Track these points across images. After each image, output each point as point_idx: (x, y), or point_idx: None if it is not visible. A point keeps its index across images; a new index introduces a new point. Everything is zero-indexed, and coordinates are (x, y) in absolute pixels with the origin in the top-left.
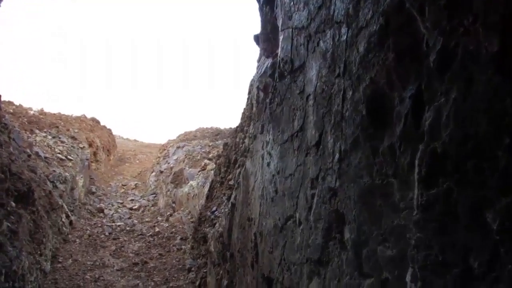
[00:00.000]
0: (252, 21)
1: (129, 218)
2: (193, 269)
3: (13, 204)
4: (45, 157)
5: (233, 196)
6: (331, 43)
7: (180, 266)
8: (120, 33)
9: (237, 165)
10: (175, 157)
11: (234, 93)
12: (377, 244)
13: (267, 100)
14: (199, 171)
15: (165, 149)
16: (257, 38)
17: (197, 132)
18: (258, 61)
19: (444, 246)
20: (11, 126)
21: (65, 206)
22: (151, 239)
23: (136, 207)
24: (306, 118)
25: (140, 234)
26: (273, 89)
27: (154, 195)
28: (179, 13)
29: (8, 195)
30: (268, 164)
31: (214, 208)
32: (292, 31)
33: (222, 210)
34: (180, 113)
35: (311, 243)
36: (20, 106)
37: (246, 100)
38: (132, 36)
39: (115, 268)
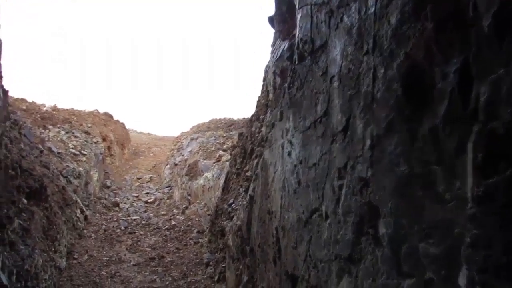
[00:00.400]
0: (251, 21)
1: (145, 211)
2: (211, 263)
3: (25, 201)
4: (58, 153)
5: (251, 188)
6: (357, 17)
7: (198, 260)
8: (120, 33)
9: (253, 156)
10: (189, 149)
11: (234, 93)
12: (418, 240)
13: (286, 85)
14: (214, 163)
15: (178, 142)
16: (271, 20)
17: (210, 123)
18: (273, 45)
19: (509, 245)
20: (21, 122)
21: (80, 201)
22: (167, 232)
23: (151, 200)
24: (331, 102)
25: (156, 228)
26: (291, 72)
27: (169, 187)
28: (179, 13)
29: (20, 192)
30: (289, 154)
31: (231, 201)
32: (311, 8)
33: (240, 203)
34: (180, 113)
35: (340, 238)
36: (33, 103)
37: (261, 88)
38: (132, 36)
39: (131, 263)
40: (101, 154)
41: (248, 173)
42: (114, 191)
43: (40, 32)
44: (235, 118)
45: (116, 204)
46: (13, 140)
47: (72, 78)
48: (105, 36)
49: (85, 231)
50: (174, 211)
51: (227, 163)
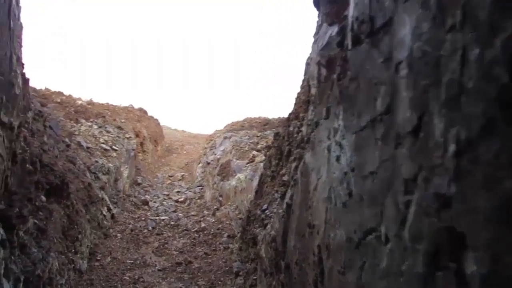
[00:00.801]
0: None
1: (174, 211)
2: (241, 273)
3: (44, 198)
4: (87, 147)
5: (288, 195)
6: None
7: (227, 269)
8: (120, 33)
9: (291, 158)
10: (221, 148)
11: (234, 93)
12: None
13: (334, 77)
14: (247, 163)
15: (212, 140)
16: (316, 1)
17: (244, 122)
18: (317, 32)
19: None
20: (47, 114)
21: (107, 199)
22: (196, 235)
23: (182, 199)
24: (396, 95)
25: (185, 230)
26: (342, 61)
27: (201, 187)
28: (179, 13)
29: (38, 188)
30: (338, 159)
31: (265, 206)
32: None
33: (275, 210)
34: (180, 113)
35: (405, 270)
36: (70, 96)
37: (301, 83)
38: (132, 35)
39: (156, 267)
40: (133, 150)
41: (285, 178)
42: (145, 189)
43: (40, 32)
44: (270, 117)
45: (146, 203)
46: (35, 133)
47: (72, 78)
48: (105, 36)
49: (111, 230)
50: (204, 212)
51: (261, 164)
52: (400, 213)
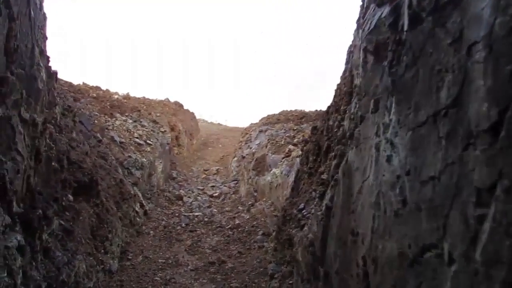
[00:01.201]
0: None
1: (209, 207)
2: (276, 276)
3: (71, 197)
4: (121, 142)
5: (328, 196)
6: None
7: (261, 269)
8: (120, 32)
9: (331, 155)
10: (257, 142)
11: (234, 93)
12: None
13: (385, 64)
14: (282, 158)
15: (247, 133)
16: None
17: (280, 115)
18: (363, 16)
19: None
20: (76, 109)
21: (140, 195)
22: (230, 232)
23: (216, 194)
24: (467, 84)
25: (219, 227)
26: (395, 45)
27: (236, 181)
28: (180, 12)
29: (65, 187)
30: (389, 159)
31: (302, 206)
32: None
33: (313, 211)
34: (215, 106)
35: None
36: (107, 91)
37: (341, 73)
38: (133, 35)
39: (189, 267)
40: (168, 144)
41: (324, 176)
42: (179, 183)
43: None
44: (307, 110)
45: (180, 198)
46: (63, 129)
47: (73, 78)
48: (106, 35)
49: (143, 227)
50: (239, 207)
51: (298, 159)
52: (469, 229)
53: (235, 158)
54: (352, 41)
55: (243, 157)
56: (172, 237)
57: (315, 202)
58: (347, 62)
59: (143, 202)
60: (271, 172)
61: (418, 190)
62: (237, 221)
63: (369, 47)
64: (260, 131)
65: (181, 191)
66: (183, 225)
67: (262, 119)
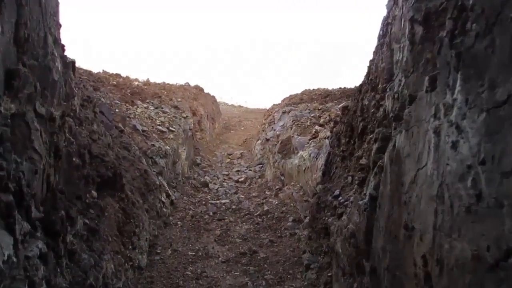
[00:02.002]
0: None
1: (235, 193)
2: (312, 266)
3: (95, 193)
4: (143, 130)
5: (371, 184)
6: None
7: (295, 259)
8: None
9: (370, 138)
10: (281, 124)
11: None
12: None
13: (442, 35)
14: (309, 140)
15: (270, 115)
16: None
17: (303, 95)
18: None
19: None
20: (96, 99)
21: (165, 184)
22: (260, 219)
23: (242, 179)
24: None
25: (248, 214)
26: (456, 12)
27: (261, 165)
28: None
29: (88, 183)
30: (455, 145)
31: (337, 192)
32: None
33: (351, 199)
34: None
35: None
36: (127, 77)
37: (374, 48)
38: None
39: (220, 259)
40: (191, 129)
41: (363, 161)
42: (204, 169)
43: None
44: (330, 88)
45: (205, 184)
46: (84, 121)
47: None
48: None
49: (170, 218)
50: (266, 192)
51: (326, 141)
52: None
53: (259, 141)
54: (388, 12)
55: (267, 140)
56: (200, 227)
57: (353, 189)
58: (383, 36)
59: (169, 191)
60: (298, 154)
61: (499, 183)
62: (265, 207)
63: (417, 17)
64: (284, 112)
65: (206, 177)
66: (211, 213)
67: (284, 99)
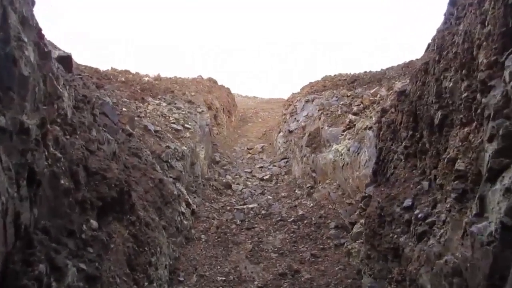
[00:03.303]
0: None
1: (262, 193)
2: None
3: (94, 223)
4: (156, 131)
5: (501, 206)
6: None
7: (350, 282)
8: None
9: (453, 132)
10: (304, 113)
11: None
12: None
13: None
14: (343, 131)
15: (290, 104)
16: None
17: (325, 81)
18: None
19: None
20: (95, 99)
21: (184, 192)
22: (295, 227)
23: (267, 176)
24: None
25: (280, 220)
26: None
27: (286, 160)
28: None
29: (84, 210)
30: None
31: (408, 203)
32: None
33: (443, 217)
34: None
35: None
36: (137, 74)
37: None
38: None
39: (256, 283)
40: (207, 125)
41: (460, 165)
42: (224, 167)
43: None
44: (357, 72)
45: (228, 186)
46: (78, 128)
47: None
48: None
49: (193, 231)
50: (297, 191)
51: (369, 132)
52: None
53: (281, 133)
54: None
55: (290, 132)
56: (228, 240)
57: (446, 205)
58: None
59: (189, 199)
60: (332, 148)
61: None
62: (300, 211)
63: None
64: (307, 101)
65: (228, 176)
66: (238, 222)
67: (304, 87)
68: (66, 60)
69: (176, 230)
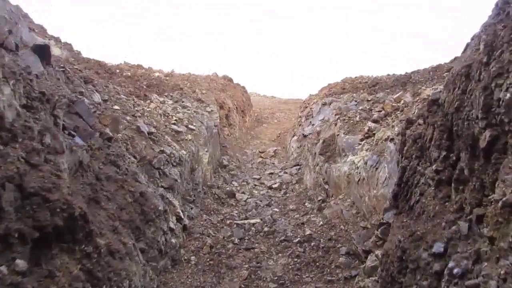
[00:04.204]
0: None
1: (268, 205)
2: None
3: (21, 263)
4: (150, 133)
5: None
6: None
7: None
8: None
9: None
10: (320, 117)
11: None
12: None
13: None
14: (361, 140)
15: (306, 107)
16: None
17: (345, 83)
18: None
19: None
20: (58, 97)
21: (176, 203)
22: (301, 249)
23: (276, 185)
24: None
25: (285, 240)
26: None
27: (298, 167)
28: None
29: (9, 246)
30: None
31: (440, 248)
32: None
33: (493, 285)
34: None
35: None
36: (149, 69)
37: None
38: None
39: None
40: (216, 126)
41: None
42: (231, 172)
43: None
44: (379, 76)
45: (232, 195)
46: (20, 134)
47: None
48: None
49: (182, 251)
50: (306, 205)
51: (390, 145)
52: None
53: (295, 137)
54: None
55: (305, 136)
56: (221, 264)
57: (498, 269)
58: None
59: (180, 213)
60: (348, 159)
61: None
62: (307, 230)
63: None
64: (324, 104)
65: (233, 183)
66: (236, 240)
67: (322, 89)
68: (41, 50)
69: (158, 252)
